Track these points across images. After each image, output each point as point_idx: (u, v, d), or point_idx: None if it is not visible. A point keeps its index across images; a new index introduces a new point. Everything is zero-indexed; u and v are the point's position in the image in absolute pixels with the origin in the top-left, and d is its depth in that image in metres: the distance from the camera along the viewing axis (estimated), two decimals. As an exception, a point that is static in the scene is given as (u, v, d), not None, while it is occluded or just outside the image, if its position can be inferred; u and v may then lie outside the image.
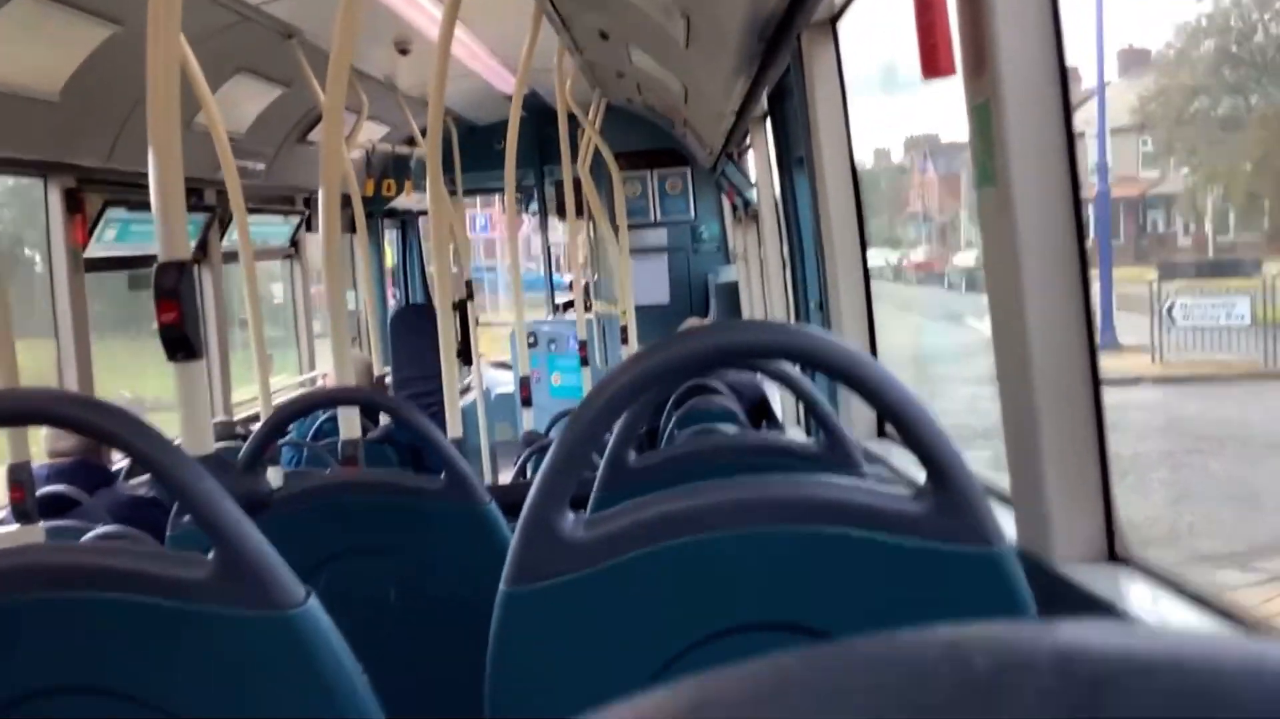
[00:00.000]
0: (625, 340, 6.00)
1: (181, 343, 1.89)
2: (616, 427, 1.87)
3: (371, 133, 6.77)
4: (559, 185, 7.96)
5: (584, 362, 5.35)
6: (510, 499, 1.86)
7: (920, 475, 1.05)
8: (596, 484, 1.88)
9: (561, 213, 7.68)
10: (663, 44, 4.04)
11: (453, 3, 3.26)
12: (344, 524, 1.94)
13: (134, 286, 5.34)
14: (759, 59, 3.51)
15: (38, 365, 4.28)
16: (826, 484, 1.10)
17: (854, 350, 1.04)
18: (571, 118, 5.23)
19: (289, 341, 7.01)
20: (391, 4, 4.44)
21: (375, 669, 1.13)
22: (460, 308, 5.08)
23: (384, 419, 4.79)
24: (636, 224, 8.04)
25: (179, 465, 1.06)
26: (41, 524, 2.61)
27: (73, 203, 4.22)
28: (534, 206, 9.21)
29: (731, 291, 7.94)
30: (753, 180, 6.16)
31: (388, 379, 6.71)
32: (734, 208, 7.47)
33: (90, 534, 2.50)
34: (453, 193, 6.54)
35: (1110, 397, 1.65)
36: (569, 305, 8.96)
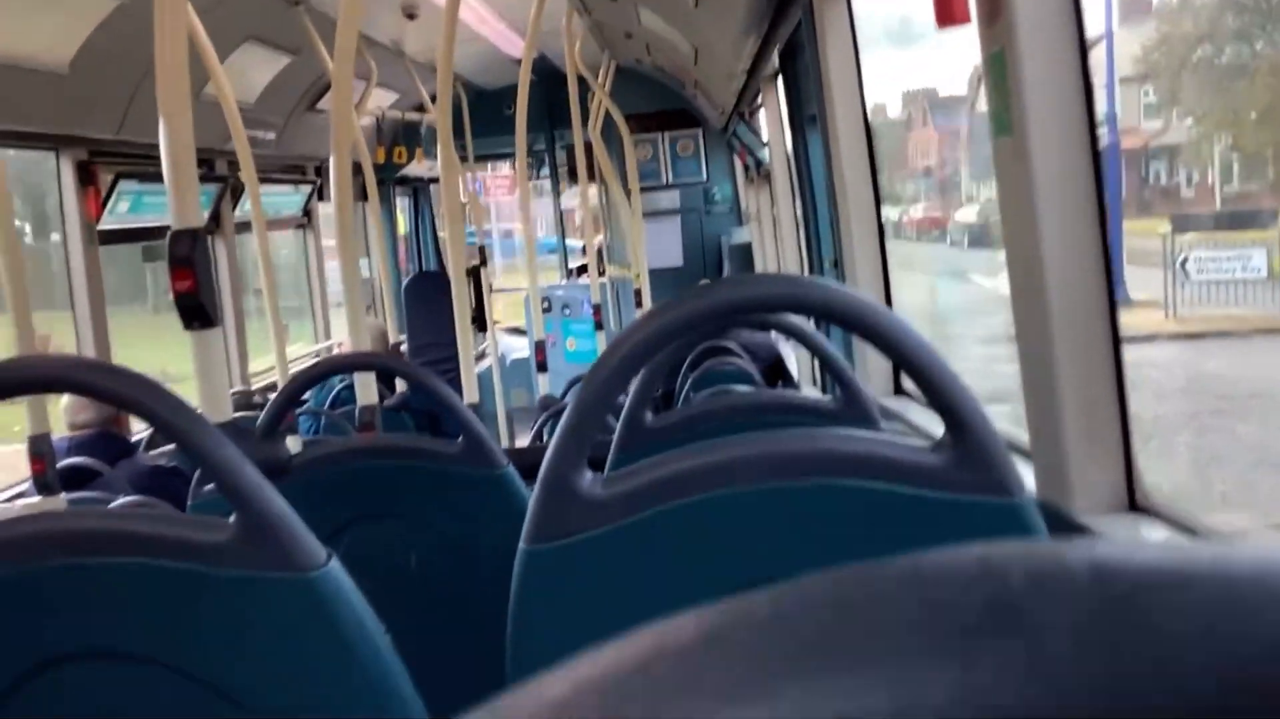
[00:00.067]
0: (639, 304, 5.99)
1: (197, 311, 1.90)
2: (632, 387, 1.87)
3: (381, 100, 6.74)
4: (570, 149, 7.95)
5: (598, 326, 5.35)
6: (528, 462, 1.87)
7: (938, 431, 1.04)
8: (614, 445, 1.88)
9: (573, 177, 7.66)
10: (671, 2, 4.01)
11: (459, -35, 3.23)
12: (362, 489, 1.94)
13: (148, 259, 5.35)
14: (769, 16, 3.47)
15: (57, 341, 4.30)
16: (844, 437, 1.09)
17: (867, 299, 1.03)
18: (581, 81, 5.20)
19: (304, 312, 7.02)
20: (397, -32, 4.41)
21: (397, 632, 1.13)
22: (474, 274, 5.08)
23: (400, 388, 4.80)
24: (648, 187, 8.01)
25: (197, 430, 1.06)
26: (63, 496, 2.64)
27: (85, 176, 4.22)
28: (545, 171, 9.19)
29: (745, 252, 7.92)
30: (765, 140, 6.12)
31: (403, 347, 6.72)
32: (746, 168, 7.42)
33: (112, 505, 2.52)
34: (464, 159, 6.52)
35: (1126, 355, 1.64)
36: (583, 270, 8.95)
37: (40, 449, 2.54)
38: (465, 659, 1.73)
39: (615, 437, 1.90)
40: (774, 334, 5.03)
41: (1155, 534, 1.54)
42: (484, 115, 7.47)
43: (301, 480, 1.89)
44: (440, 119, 3.49)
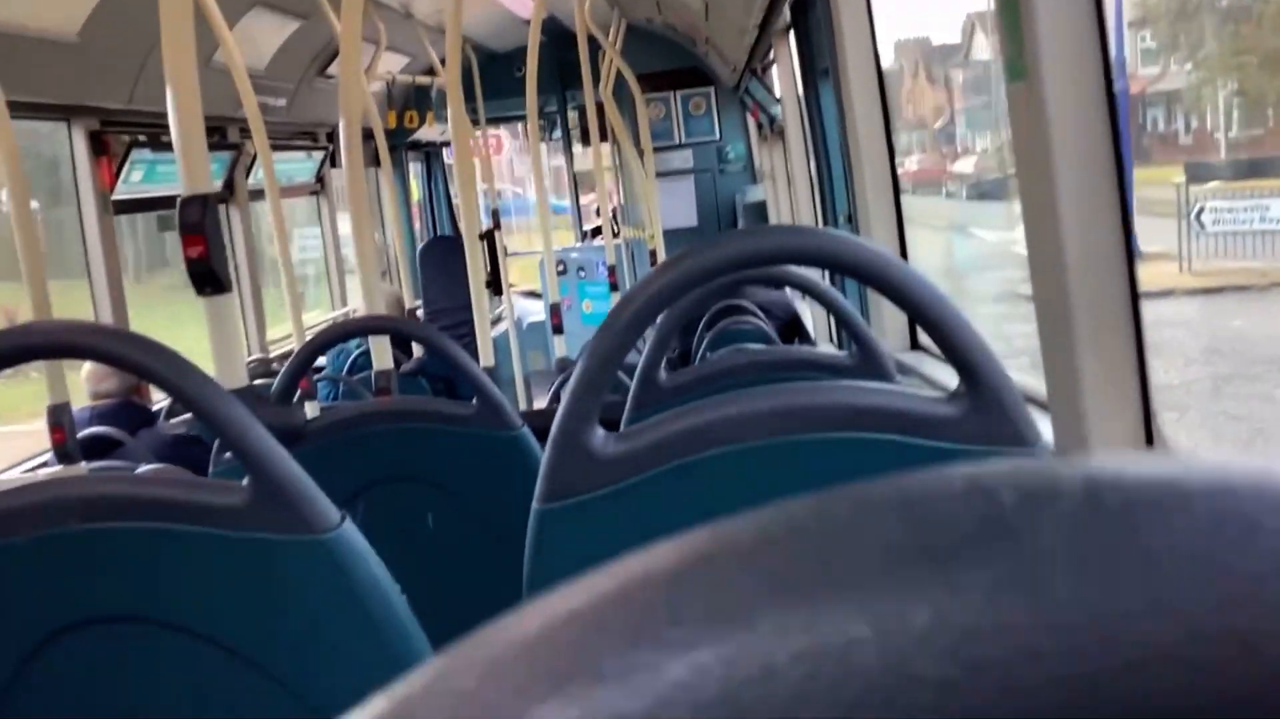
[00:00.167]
0: (654, 264, 5.97)
1: (209, 277, 1.89)
2: (646, 346, 1.86)
3: (391, 64, 6.70)
4: (582, 110, 7.89)
5: (614, 287, 5.34)
6: (543, 424, 1.86)
7: (954, 385, 1.03)
8: (629, 403, 1.88)
9: (585, 138, 7.61)
10: (681, -42, 3.96)
11: (465, -77, 3.20)
12: (378, 453, 1.95)
13: (163, 228, 5.35)
14: (780, -32, 3.43)
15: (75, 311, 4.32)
16: (858, 390, 1.08)
17: (880, 250, 1.01)
18: (591, 40, 5.15)
19: (319, 279, 7.03)
20: (404, -71, 4.37)
21: (414, 593, 1.13)
22: (488, 238, 5.06)
23: (417, 353, 4.81)
24: (661, 147, 7.96)
25: (210, 394, 1.06)
26: (84, 464, 2.65)
27: (98, 145, 4.23)
28: (558, 134, 9.14)
29: (759, 210, 7.88)
30: (777, 96, 6.06)
31: (419, 312, 6.72)
32: (759, 125, 7.37)
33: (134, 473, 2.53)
34: (475, 122, 6.49)
35: (1143, 313, 1.60)
36: (597, 231, 8.92)
37: (59, 418, 2.54)
38: (482, 620, 1.74)
39: (630, 395, 1.89)
40: (789, 292, 5.01)
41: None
42: (494, 77, 7.42)
43: (319, 445, 1.90)
44: (450, 82, 3.47)
